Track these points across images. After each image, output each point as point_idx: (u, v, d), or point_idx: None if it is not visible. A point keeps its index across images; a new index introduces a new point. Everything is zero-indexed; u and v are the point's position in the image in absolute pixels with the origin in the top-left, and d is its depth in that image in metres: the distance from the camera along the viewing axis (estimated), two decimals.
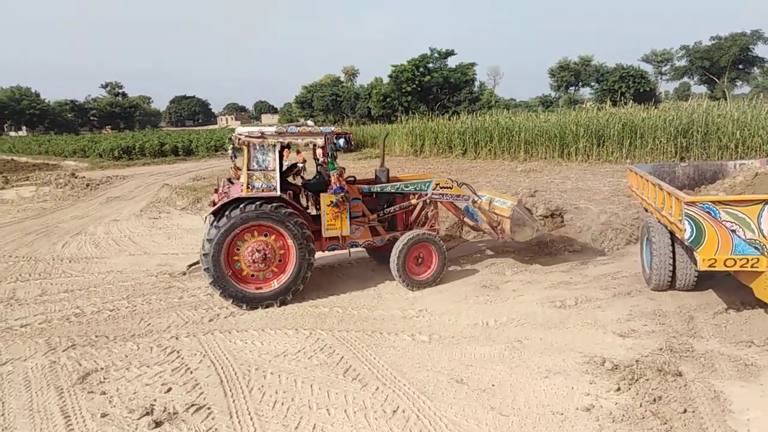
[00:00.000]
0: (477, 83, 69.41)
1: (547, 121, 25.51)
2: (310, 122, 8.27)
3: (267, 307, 7.21)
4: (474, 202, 8.45)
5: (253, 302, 7.18)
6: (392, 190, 8.29)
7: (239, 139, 7.21)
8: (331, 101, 73.78)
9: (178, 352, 6.00)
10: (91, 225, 13.71)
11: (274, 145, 7.22)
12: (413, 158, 28.48)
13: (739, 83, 67.13)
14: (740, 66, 65.68)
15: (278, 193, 7.16)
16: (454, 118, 33.90)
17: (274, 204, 7.10)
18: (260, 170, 7.23)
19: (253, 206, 7.02)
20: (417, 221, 8.46)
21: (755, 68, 66.44)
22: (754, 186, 6.64)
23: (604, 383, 4.88)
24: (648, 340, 5.74)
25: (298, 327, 6.58)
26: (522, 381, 5.03)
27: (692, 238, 5.61)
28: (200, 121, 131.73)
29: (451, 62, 66.74)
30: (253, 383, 5.21)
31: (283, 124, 7.60)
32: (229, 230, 7.00)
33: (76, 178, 22.93)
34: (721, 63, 64.69)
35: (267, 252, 7.17)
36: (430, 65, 66.09)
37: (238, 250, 7.14)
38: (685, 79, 75.68)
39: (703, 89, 67.31)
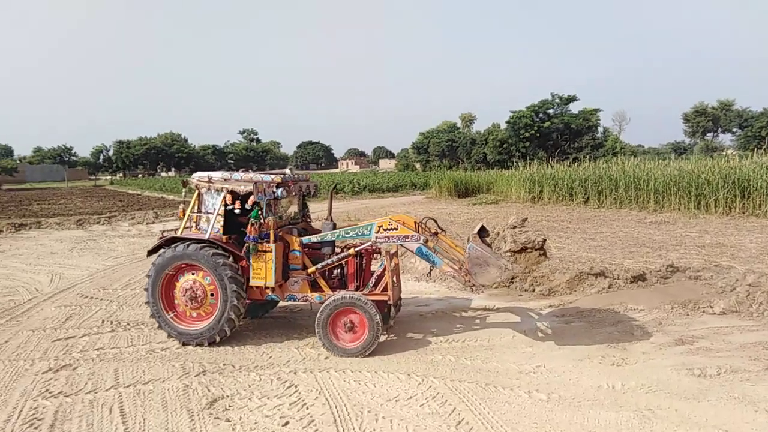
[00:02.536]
0: (601, 129, 66.64)
1: (680, 169, 23.66)
2: (287, 170, 8.18)
3: (197, 345, 7.46)
4: (426, 242, 7.25)
5: (184, 338, 7.50)
6: (332, 239, 7.73)
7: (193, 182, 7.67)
8: (446, 146, 74.71)
9: (296, 387, 6.23)
10: None
11: (219, 190, 7.50)
12: (530, 205, 27.75)
13: None
14: None
15: (207, 235, 7.36)
16: (576, 164, 32.65)
17: (200, 245, 7.33)
18: (207, 213, 7.60)
19: (181, 247, 7.40)
20: (356, 277, 7.70)
21: None
22: None
23: None
24: None
25: (411, 372, 6.55)
26: None
27: None
28: (323, 164, 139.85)
29: (574, 108, 64.91)
30: (366, 425, 5.24)
31: (229, 172, 7.73)
32: (161, 268, 7.46)
33: None
34: None
35: (198, 292, 7.42)
36: (551, 111, 64.79)
37: (176, 285, 7.55)
38: None
39: None
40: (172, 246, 7.59)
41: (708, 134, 73.52)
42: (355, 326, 7.16)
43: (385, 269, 7.52)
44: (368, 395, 5.94)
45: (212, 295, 7.50)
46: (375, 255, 8.33)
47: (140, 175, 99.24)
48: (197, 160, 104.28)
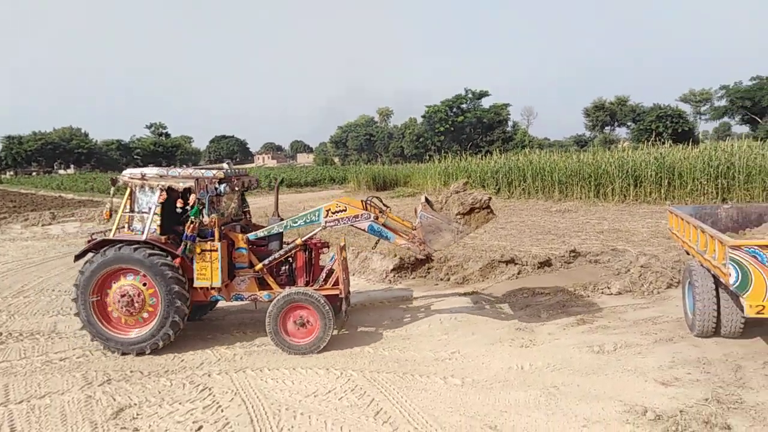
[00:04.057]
0: (510, 123, 69.71)
1: (579, 161, 25.28)
2: (225, 164, 8.02)
3: (138, 354, 6.98)
4: (376, 219, 7.26)
5: (123, 348, 7.03)
6: (279, 230, 7.50)
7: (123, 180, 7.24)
8: (365, 141, 75.07)
9: (210, 389, 6.02)
10: None
11: (154, 187, 7.13)
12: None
13: None
14: None
15: (144, 236, 6.97)
16: (487, 157, 33.96)
17: (135, 247, 6.89)
18: (141, 212, 7.20)
19: (113, 250, 6.92)
20: (304, 272, 7.58)
21: None
22: None
23: None
24: (692, 389, 5.47)
25: (330, 367, 6.53)
26: (559, 430, 4.84)
27: (738, 283, 5.40)
28: (238, 160, 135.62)
29: (486, 103, 67.38)
30: (283, 423, 5.17)
31: (165, 168, 7.46)
32: (92, 274, 6.93)
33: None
34: (763, 103, 63.29)
35: (135, 297, 6.96)
36: (464, 106, 66.84)
37: (108, 292, 7.05)
38: (725, 119, 74.21)
39: (744, 129, 65.85)
40: (104, 250, 7.04)
41: (606, 128, 79.07)
42: (306, 322, 7.00)
43: (335, 263, 7.44)
44: (286, 392, 5.86)
45: (152, 299, 7.06)
46: (323, 249, 8.18)
47: (35, 173, 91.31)
48: (99, 156, 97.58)
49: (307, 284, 7.54)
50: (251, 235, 7.45)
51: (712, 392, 5.33)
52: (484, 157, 35.17)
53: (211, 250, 7.03)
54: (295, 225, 7.46)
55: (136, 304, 7.01)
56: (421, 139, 66.06)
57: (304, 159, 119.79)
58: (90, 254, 7.23)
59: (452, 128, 64.62)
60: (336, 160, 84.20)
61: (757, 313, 5.41)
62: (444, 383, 5.96)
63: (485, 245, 13.28)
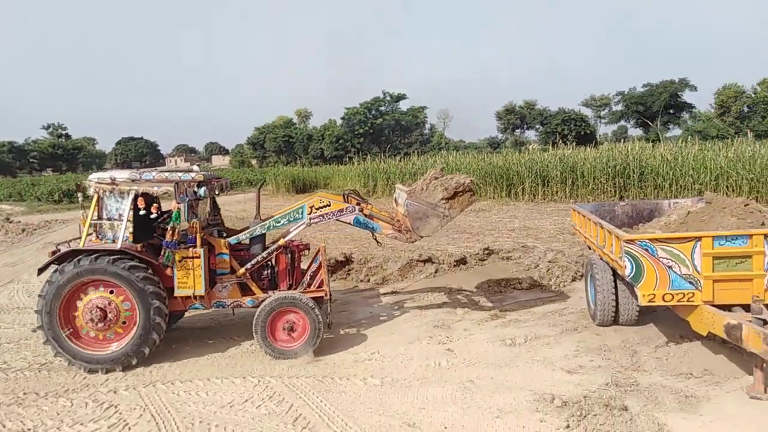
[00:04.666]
0: (428, 126, 71.36)
1: (490, 163, 26.39)
2: (196, 167, 7.91)
3: (108, 371, 6.53)
4: (361, 211, 7.24)
5: (92, 365, 6.55)
6: (261, 232, 7.26)
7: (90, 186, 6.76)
8: (283, 142, 73.89)
9: (116, 407, 5.66)
10: (25, 273, 12.94)
11: (126, 193, 6.70)
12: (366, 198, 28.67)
13: (671, 126, 71.70)
14: (671, 111, 70.32)
15: (119, 245, 6.54)
16: (406, 159, 34.56)
17: (113, 257, 6.46)
18: (111, 219, 6.78)
19: (88, 260, 6.45)
20: (287, 275, 7.40)
21: (684, 113, 71.31)
22: (687, 224, 7.00)
23: (554, 420, 4.90)
24: (595, 375, 5.85)
25: (246, 375, 6.35)
26: (474, 422, 5.00)
27: (632, 274, 5.83)
28: (148, 163, 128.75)
29: (403, 105, 68.51)
30: None
31: (138, 170, 7.11)
32: (62, 287, 6.43)
33: (10, 222, 21.83)
34: (654, 108, 69.06)
35: (108, 310, 6.51)
36: (383, 108, 67.60)
37: (78, 305, 6.57)
38: (622, 122, 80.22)
39: (638, 132, 71.52)
40: (74, 260, 6.43)
41: (517, 130, 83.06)
42: (295, 326, 6.80)
43: (320, 265, 7.29)
44: (200, 404, 5.63)
45: (127, 312, 6.55)
46: (304, 251, 7.92)
47: None
48: None
49: (290, 288, 7.34)
50: (232, 239, 7.19)
51: (611, 377, 5.73)
52: (402, 159, 35.74)
53: (192, 257, 6.66)
54: (278, 225, 7.27)
55: (110, 319, 6.53)
56: (340, 141, 66.05)
57: (219, 161, 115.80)
58: (55, 265, 6.67)
59: (371, 130, 65.20)
60: (253, 162, 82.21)
61: (649, 301, 5.87)
62: (364, 384, 5.97)
63: (404, 245, 13.46)
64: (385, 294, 9.77)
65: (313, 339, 6.77)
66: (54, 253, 6.80)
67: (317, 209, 7.18)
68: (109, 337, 6.64)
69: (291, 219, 7.21)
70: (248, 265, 7.10)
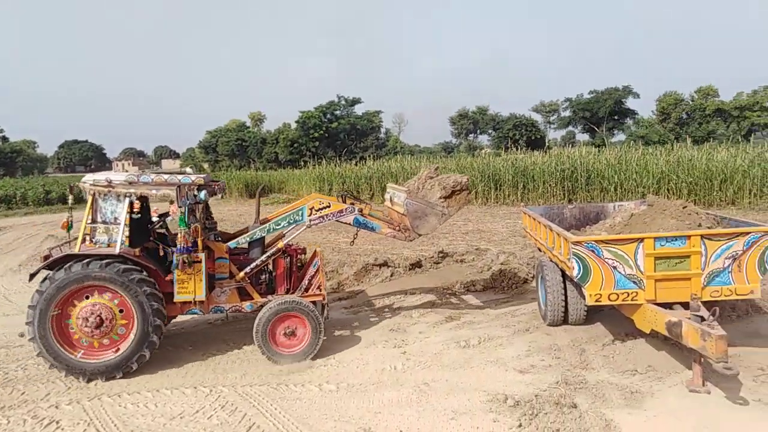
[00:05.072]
0: (383, 130, 71.60)
1: (444, 167, 26.74)
2: (188, 169, 7.81)
3: (108, 379, 6.34)
4: (361, 211, 7.35)
5: (90, 374, 6.32)
6: (261, 235, 7.23)
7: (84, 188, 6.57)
8: (236, 146, 72.52)
9: (57, 422, 5.39)
10: None
11: (122, 195, 6.53)
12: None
13: (616, 132, 74.58)
14: (616, 117, 73.17)
15: (117, 249, 6.35)
16: (362, 163, 34.57)
17: (106, 262, 6.25)
18: (106, 223, 6.54)
19: (80, 266, 6.21)
20: (285, 279, 7.34)
21: (628, 119, 74.37)
22: (630, 226, 7.29)
23: (507, 420, 4.99)
24: (545, 374, 5.99)
25: (197, 384, 6.18)
26: (429, 424, 5.03)
27: (580, 275, 6.02)
28: (93, 167, 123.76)
29: (358, 110, 68.54)
30: None
31: (135, 173, 6.92)
32: (54, 294, 6.17)
33: None
34: (599, 114, 71.71)
35: (104, 317, 6.30)
36: (338, 112, 67.42)
37: (71, 313, 6.33)
38: (570, 127, 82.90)
39: (586, 137, 74.09)
40: (68, 266, 6.11)
41: (470, 135, 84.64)
42: (296, 331, 6.75)
43: (318, 269, 7.21)
44: (148, 417, 5.44)
45: (123, 318, 6.30)
46: (301, 255, 7.79)
47: None
48: None
49: (287, 292, 7.25)
50: (232, 243, 7.08)
51: (561, 375, 5.89)
52: (358, 163, 35.74)
53: (195, 262, 6.54)
54: (278, 227, 7.24)
55: (106, 326, 6.28)
56: (295, 145, 65.37)
57: (169, 165, 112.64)
58: (46, 272, 6.34)
59: (327, 134, 64.85)
60: (205, 166, 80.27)
61: (596, 301, 6.08)
62: (319, 390, 5.92)
63: (359, 249, 13.47)
64: (341, 299, 9.72)
65: (314, 343, 6.77)
66: (46, 258, 6.51)
67: (317, 210, 7.24)
68: (106, 344, 6.43)
69: (291, 221, 7.25)
70: (247, 269, 7.04)
